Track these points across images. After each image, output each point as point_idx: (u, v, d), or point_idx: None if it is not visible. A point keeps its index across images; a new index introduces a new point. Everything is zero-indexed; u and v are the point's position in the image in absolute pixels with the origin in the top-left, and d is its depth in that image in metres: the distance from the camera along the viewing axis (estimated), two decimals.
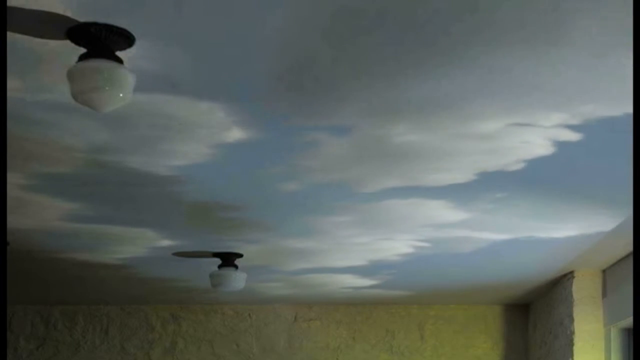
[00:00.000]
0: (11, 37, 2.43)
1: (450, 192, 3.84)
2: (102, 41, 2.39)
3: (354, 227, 4.44)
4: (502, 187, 3.76)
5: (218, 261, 5.13)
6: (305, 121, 3.04)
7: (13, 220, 4.32)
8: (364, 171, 3.56)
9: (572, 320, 5.40)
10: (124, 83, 2.43)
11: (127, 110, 2.93)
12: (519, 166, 3.49)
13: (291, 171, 3.57)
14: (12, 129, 3.11)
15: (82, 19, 2.33)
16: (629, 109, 2.91)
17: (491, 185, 3.73)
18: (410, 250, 4.93)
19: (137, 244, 4.84)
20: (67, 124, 3.07)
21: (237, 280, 5.09)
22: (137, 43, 2.45)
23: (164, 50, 2.51)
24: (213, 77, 2.70)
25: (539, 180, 3.66)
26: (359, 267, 5.37)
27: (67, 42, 2.43)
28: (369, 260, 5.18)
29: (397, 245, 4.82)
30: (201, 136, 3.18)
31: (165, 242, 4.80)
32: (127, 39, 2.42)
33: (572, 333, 5.38)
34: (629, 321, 5.00)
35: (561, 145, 3.26)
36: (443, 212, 4.14)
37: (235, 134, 3.15)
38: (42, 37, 2.42)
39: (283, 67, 2.62)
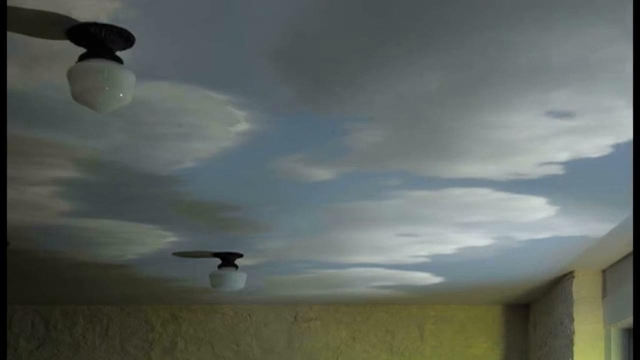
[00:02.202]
0: (11, 36, 2.43)
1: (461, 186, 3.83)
2: (102, 41, 2.39)
3: (373, 224, 4.41)
4: (509, 188, 3.75)
5: (218, 261, 5.13)
6: (331, 110, 2.95)
7: (13, 220, 4.31)
8: (388, 164, 3.52)
9: (572, 320, 5.40)
10: (124, 83, 2.43)
11: (126, 110, 2.92)
12: (534, 170, 3.50)
13: (298, 167, 3.56)
14: (13, 128, 3.11)
15: (82, 19, 2.33)
16: None
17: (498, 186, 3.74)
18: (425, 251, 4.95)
19: (138, 244, 4.84)
20: (66, 124, 3.07)
21: (237, 280, 5.09)
22: (137, 41, 2.45)
23: (165, 48, 2.51)
24: (216, 73, 2.70)
25: (545, 182, 3.65)
26: (380, 263, 5.34)
27: (67, 42, 2.43)
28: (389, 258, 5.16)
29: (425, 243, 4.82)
30: (203, 135, 3.17)
31: (166, 242, 4.80)
32: (127, 39, 2.42)
33: (572, 333, 5.38)
34: (629, 321, 5.00)
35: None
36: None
37: (241, 129, 3.12)
38: (42, 37, 2.43)
39: (291, 50, 2.61)
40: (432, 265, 5.29)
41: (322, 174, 3.60)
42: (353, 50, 2.52)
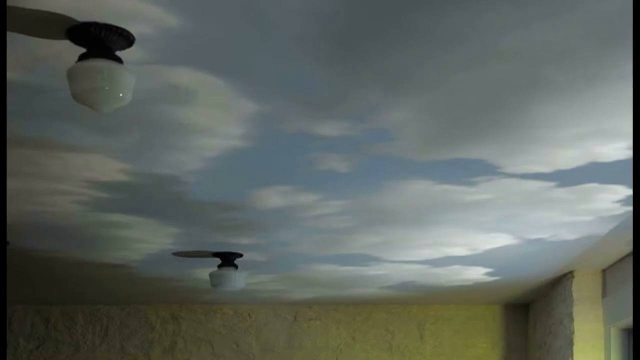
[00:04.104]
0: (11, 36, 2.43)
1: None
2: (102, 41, 2.39)
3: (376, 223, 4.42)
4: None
5: (218, 261, 5.13)
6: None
7: (14, 219, 4.31)
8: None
9: (572, 320, 5.40)
10: (124, 83, 2.43)
11: (127, 109, 2.92)
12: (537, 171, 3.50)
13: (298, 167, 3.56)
14: (12, 129, 3.11)
15: (82, 19, 2.33)
16: None
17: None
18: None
19: (138, 244, 4.84)
20: (65, 124, 3.07)
21: (237, 280, 5.09)
22: (138, 41, 2.45)
23: (166, 46, 2.51)
24: (218, 71, 2.69)
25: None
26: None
27: (67, 42, 2.43)
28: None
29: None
30: (204, 134, 3.17)
31: (166, 242, 4.79)
32: (127, 39, 2.42)
33: (572, 333, 5.38)
34: (629, 321, 5.00)
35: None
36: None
37: (249, 126, 3.12)
38: (42, 37, 2.43)
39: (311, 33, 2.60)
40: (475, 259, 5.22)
41: (338, 167, 3.53)
42: (373, 22, 2.40)
